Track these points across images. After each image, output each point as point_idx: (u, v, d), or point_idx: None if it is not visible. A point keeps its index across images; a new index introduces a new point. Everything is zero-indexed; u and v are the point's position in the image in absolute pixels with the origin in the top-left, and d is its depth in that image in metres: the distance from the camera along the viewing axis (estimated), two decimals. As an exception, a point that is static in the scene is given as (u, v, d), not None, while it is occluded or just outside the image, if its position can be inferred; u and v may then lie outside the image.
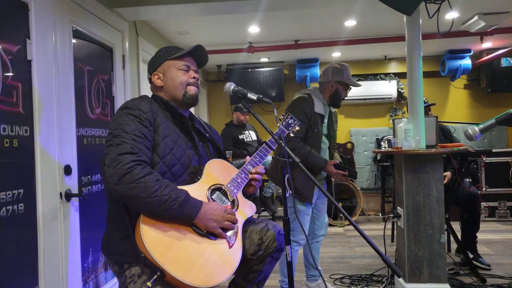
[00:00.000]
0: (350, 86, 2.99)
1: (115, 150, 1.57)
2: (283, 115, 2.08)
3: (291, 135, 2.08)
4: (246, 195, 1.93)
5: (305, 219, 2.93)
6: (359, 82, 6.41)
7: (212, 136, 2.03)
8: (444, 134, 4.17)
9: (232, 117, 5.72)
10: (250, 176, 1.89)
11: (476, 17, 4.32)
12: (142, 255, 1.54)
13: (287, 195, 1.75)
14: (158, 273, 1.50)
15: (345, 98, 3.03)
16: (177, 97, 1.86)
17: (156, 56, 1.93)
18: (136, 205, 1.56)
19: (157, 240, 1.54)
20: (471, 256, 3.65)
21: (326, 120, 3.02)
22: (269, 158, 3.65)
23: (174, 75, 1.86)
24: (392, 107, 6.79)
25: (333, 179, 3.03)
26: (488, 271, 3.55)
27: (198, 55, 1.94)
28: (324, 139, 3.02)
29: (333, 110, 3.13)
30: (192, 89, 1.88)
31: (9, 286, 1.92)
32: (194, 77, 1.88)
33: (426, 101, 4.18)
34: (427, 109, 4.13)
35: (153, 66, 1.92)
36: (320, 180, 3.05)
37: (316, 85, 3.13)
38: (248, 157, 1.94)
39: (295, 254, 3.00)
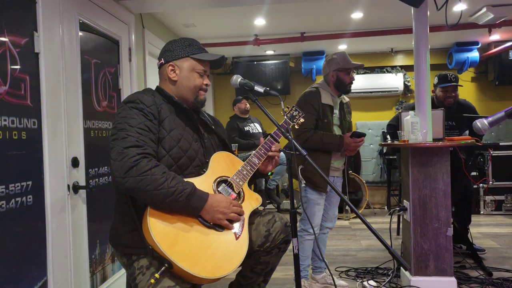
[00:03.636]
0: (352, 69, 3.01)
1: (120, 143, 1.58)
2: (287, 107, 2.09)
3: (296, 127, 2.09)
4: (263, 172, 1.95)
5: (316, 208, 2.96)
6: (365, 75, 6.48)
7: (217, 129, 2.03)
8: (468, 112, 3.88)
9: (234, 111, 5.74)
10: (269, 153, 1.91)
11: (484, 9, 4.27)
12: (150, 247, 1.55)
13: (302, 185, 1.74)
14: (166, 265, 1.52)
15: (352, 81, 3.03)
16: (186, 98, 1.86)
17: (177, 45, 1.86)
18: (143, 197, 1.57)
19: (164, 232, 1.55)
20: (464, 247, 3.71)
21: (336, 111, 3.07)
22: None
23: (191, 76, 1.84)
24: (399, 100, 6.76)
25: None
26: (492, 263, 3.54)
27: (217, 63, 1.92)
28: (336, 129, 3.06)
29: (344, 101, 3.17)
30: (202, 94, 1.90)
31: (19, 278, 1.95)
32: (206, 84, 1.89)
33: (454, 78, 3.72)
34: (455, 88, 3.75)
35: (172, 55, 1.85)
36: (337, 170, 3.08)
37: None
38: (262, 139, 1.95)
39: (307, 243, 3.01)
